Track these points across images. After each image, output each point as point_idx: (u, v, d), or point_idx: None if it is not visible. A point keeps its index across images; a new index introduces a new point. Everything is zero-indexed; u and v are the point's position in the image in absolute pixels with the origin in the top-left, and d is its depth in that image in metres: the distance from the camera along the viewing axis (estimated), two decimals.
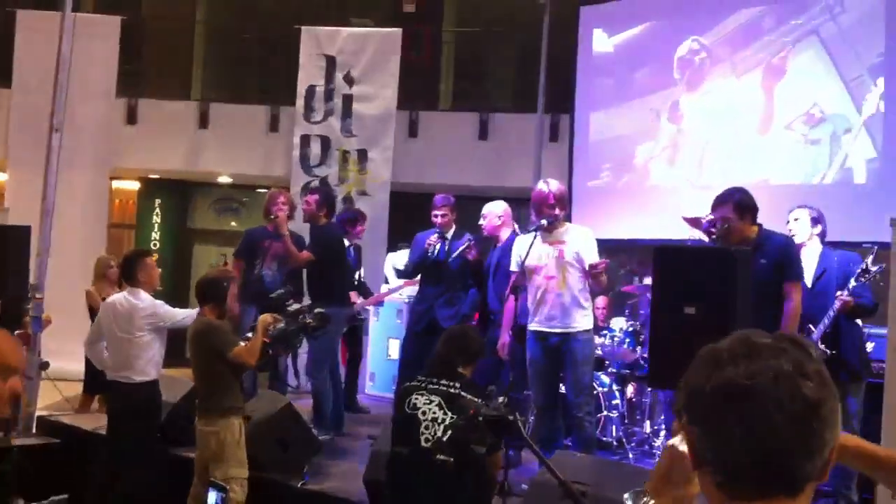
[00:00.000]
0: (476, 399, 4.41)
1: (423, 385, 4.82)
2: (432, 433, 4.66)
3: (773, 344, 1.35)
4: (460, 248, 7.44)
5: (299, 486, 6.23)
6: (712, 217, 5.46)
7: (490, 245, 7.43)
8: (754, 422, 1.29)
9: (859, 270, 5.84)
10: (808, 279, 5.98)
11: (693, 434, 1.38)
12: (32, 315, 6.85)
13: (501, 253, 7.04)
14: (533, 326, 6.26)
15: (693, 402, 1.37)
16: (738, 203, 5.38)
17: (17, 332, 6.69)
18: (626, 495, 1.63)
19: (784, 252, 5.43)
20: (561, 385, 6.39)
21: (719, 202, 5.44)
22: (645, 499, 1.59)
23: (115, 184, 13.12)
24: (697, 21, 9.88)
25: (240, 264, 8.19)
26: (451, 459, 4.57)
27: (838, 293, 5.84)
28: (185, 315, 6.17)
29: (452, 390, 4.72)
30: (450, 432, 4.60)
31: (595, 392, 7.13)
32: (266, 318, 5.74)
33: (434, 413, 4.69)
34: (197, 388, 5.90)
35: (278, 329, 5.72)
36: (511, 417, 3.47)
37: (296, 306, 5.94)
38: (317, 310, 5.99)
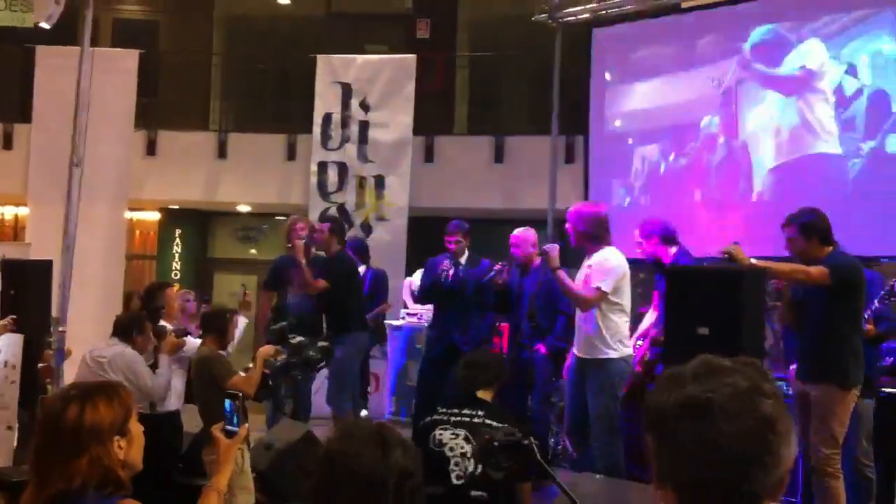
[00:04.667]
0: (501, 424, 4.22)
1: (446, 419, 4.61)
2: (463, 469, 4.47)
3: (732, 366, 1.39)
4: (491, 275, 7.38)
5: None
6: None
7: (512, 269, 7.43)
8: (711, 435, 1.31)
9: (884, 293, 5.73)
10: None
11: (654, 450, 1.40)
12: (55, 348, 6.90)
13: (542, 279, 7.00)
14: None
15: (654, 418, 1.40)
16: (804, 225, 5.26)
17: (39, 365, 6.73)
18: None
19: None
20: None
21: (788, 222, 5.35)
22: None
23: (136, 215, 13.23)
24: (721, 40, 9.57)
25: (268, 295, 8.25)
26: (486, 494, 4.40)
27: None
28: None
29: (476, 419, 4.53)
30: (481, 465, 4.40)
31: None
32: (267, 349, 5.80)
33: (462, 447, 4.50)
34: (201, 417, 5.95)
35: (280, 361, 5.77)
36: (526, 442, 3.46)
37: (298, 339, 5.98)
38: (320, 343, 6.02)
